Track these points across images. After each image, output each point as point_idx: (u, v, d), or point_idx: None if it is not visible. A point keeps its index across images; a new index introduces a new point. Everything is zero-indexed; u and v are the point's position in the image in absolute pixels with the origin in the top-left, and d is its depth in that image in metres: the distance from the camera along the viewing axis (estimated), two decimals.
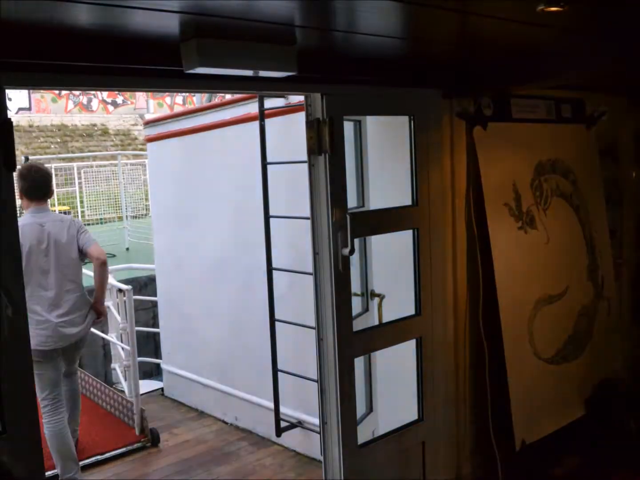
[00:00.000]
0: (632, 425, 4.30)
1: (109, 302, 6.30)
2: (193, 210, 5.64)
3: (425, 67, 3.51)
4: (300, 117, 3.36)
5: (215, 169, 5.31)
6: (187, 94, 20.65)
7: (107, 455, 4.84)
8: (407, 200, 3.67)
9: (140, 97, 23.07)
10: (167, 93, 22.70)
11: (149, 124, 6.30)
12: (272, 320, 4.47)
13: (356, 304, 3.85)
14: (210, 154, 5.34)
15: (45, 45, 2.32)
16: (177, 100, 23.33)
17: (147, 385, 6.61)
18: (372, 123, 4.03)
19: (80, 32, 2.30)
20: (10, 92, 16.54)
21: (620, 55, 3.30)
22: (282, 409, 4.58)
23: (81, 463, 4.57)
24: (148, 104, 23.21)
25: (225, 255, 5.28)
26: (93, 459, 4.79)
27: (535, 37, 2.85)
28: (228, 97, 5.46)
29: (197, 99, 7.47)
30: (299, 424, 4.65)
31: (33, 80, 2.52)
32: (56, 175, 12.71)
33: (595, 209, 4.64)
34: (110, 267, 6.81)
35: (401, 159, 3.71)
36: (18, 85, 2.59)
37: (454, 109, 3.76)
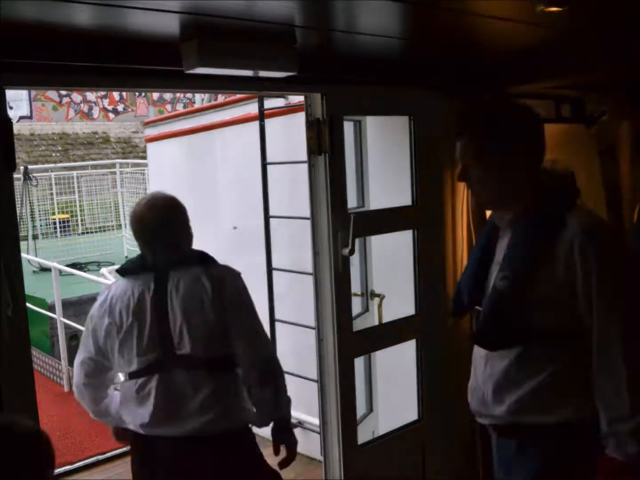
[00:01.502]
0: None
1: None
2: (193, 210, 5.63)
3: (425, 67, 3.51)
4: (300, 117, 3.37)
5: (215, 169, 5.32)
6: (188, 101, 20.71)
7: (108, 454, 4.85)
8: (407, 200, 3.67)
9: (141, 104, 23.08)
10: (168, 101, 22.75)
11: (149, 124, 6.32)
12: (272, 320, 4.48)
13: (356, 304, 3.85)
14: (210, 154, 5.35)
15: (45, 45, 2.32)
16: (178, 107, 23.34)
17: None
18: (372, 123, 4.04)
19: (80, 32, 2.30)
20: (11, 101, 16.57)
21: (620, 55, 3.30)
22: None
23: (82, 462, 4.57)
24: (149, 111, 23.19)
25: (224, 255, 5.26)
26: (93, 458, 4.80)
27: (535, 37, 2.86)
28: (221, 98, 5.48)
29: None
30: (299, 424, 4.65)
31: (33, 80, 2.52)
32: (57, 184, 12.80)
33: (595, 209, 4.63)
34: (110, 268, 6.80)
35: (401, 159, 3.72)
36: (18, 85, 2.60)
37: (454, 108, 3.76)
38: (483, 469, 3.83)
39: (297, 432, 4.62)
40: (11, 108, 17.59)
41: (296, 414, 4.64)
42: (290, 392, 4.54)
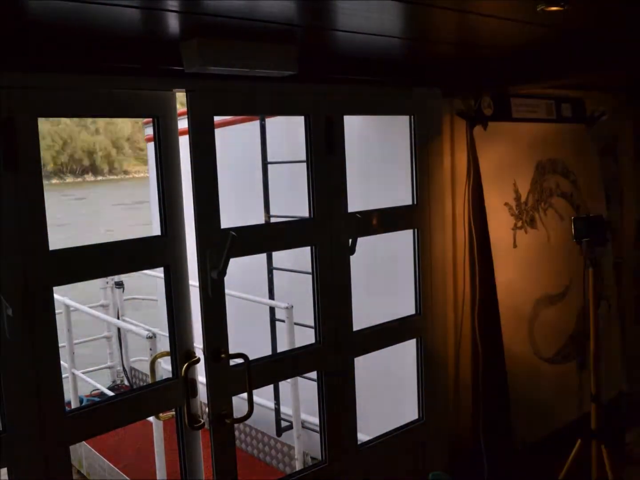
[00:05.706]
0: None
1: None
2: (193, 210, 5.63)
3: (425, 66, 3.51)
4: (300, 116, 3.36)
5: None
6: None
7: None
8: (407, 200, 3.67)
9: None
10: None
11: (149, 123, 6.30)
12: (272, 320, 4.48)
13: None
14: None
15: (44, 46, 2.32)
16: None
17: None
18: (373, 122, 4.04)
19: (79, 31, 2.29)
20: None
21: (620, 55, 3.30)
22: (282, 409, 4.57)
23: None
24: None
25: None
26: None
27: (535, 37, 2.85)
28: None
29: None
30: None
31: (32, 80, 2.50)
32: None
33: (595, 209, 4.63)
34: None
35: (401, 158, 3.72)
36: (17, 85, 2.58)
37: (454, 108, 3.77)
38: (486, 468, 3.84)
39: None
40: None
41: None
42: (291, 392, 4.60)
